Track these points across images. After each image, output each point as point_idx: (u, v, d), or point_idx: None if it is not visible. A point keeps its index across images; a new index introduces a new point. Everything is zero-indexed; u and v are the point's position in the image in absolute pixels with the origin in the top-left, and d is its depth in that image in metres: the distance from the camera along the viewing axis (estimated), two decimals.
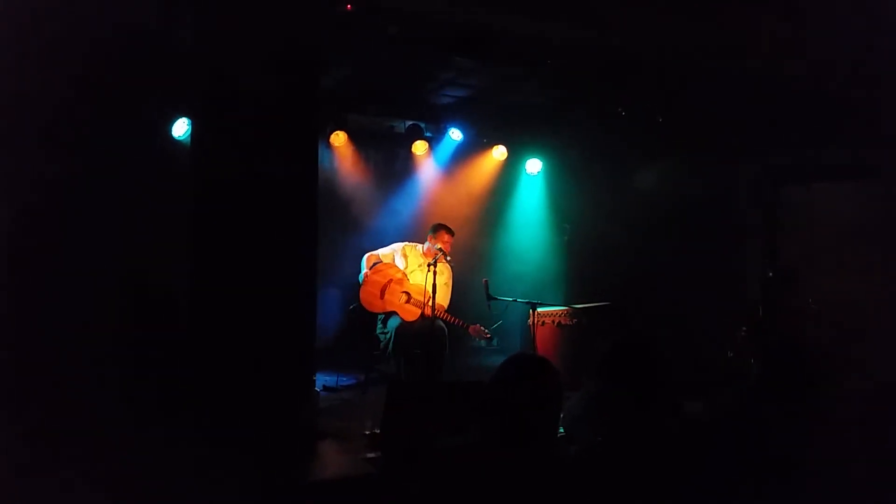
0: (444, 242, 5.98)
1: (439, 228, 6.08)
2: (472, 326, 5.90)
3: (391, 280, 5.97)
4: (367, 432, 4.40)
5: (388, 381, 5.28)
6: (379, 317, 6.04)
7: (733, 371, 5.76)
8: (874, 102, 5.77)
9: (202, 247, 4.04)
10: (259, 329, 3.97)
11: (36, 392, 3.80)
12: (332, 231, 6.78)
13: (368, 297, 5.95)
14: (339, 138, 7.09)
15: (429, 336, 5.70)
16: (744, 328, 6.06)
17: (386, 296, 5.95)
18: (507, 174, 8.20)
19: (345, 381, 6.33)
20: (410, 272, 6.09)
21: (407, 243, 6.26)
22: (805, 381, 2.55)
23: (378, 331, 6.03)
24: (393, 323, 5.92)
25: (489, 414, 2.17)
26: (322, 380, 6.09)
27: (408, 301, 5.95)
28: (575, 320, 6.47)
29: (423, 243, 6.23)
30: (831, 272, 6.44)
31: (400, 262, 6.11)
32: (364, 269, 6.00)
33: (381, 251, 6.15)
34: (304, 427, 4.26)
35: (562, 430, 3.79)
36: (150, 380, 3.86)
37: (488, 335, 5.92)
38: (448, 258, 5.86)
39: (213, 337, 3.92)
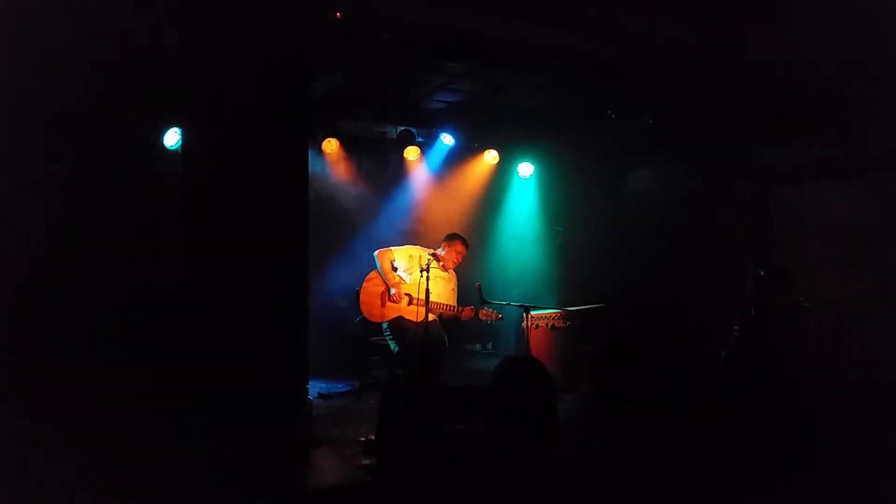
0: (457, 252, 6.03)
1: (454, 238, 6.11)
2: (481, 311, 5.93)
3: (388, 287, 5.95)
4: (363, 439, 4.40)
5: (382, 388, 5.27)
6: (383, 324, 6.02)
7: (726, 371, 5.76)
8: (864, 100, 5.81)
9: (194, 256, 4.04)
10: (251, 337, 3.97)
11: (29, 394, 3.79)
12: (325, 238, 6.77)
13: (369, 308, 5.96)
14: (330, 145, 7.09)
15: (428, 340, 5.68)
16: (736, 328, 6.08)
17: (387, 302, 5.95)
18: (499, 178, 8.21)
19: (339, 388, 6.33)
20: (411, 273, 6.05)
21: (421, 248, 6.17)
22: (783, 379, 2.57)
23: (384, 334, 6.02)
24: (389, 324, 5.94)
25: (490, 417, 2.18)
26: (316, 387, 6.09)
27: (410, 303, 5.93)
28: (568, 323, 6.49)
29: (437, 248, 6.18)
30: (823, 271, 6.47)
31: (411, 265, 6.03)
32: (378, 266, 5.97)
33: (394, 248, 6.10)
34: (299, 435, 4.25)
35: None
36: (139, 387, 3.84)
37: (499, 315, 5.95)
38: (441, 264, 5.84)
39: (204, 345, 3.92)
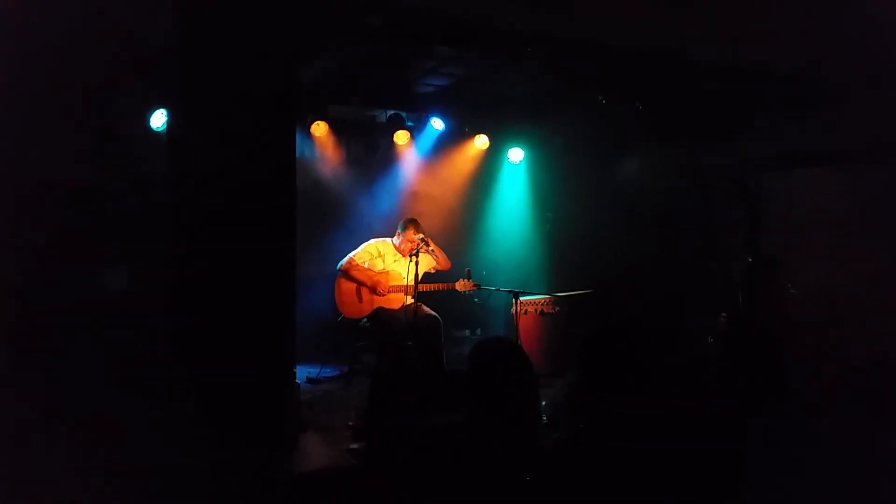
0: (409, 240, 5.89)
1: (408, 224, 6.00)
2: (457, 283, 5.92)
3: (364, 283, 5.94)
4: (351, 423, 4.40)
5: (371, 373, 5.27)
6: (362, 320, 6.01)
7: (714, 356, 5.80)
8: (855, 88, 5.83)
9: (180, 238, 4.00)
10: (238, 321, 3.94)
11: (21, 387, 3.77)
12: (314, 222, 6.73)
13: (349, 308, 5.93)
14: (319, 128, 7.04)
15: (421, 326, 5.66)
16: (723, 314, 6.11)
17: (364, 296, 5.93)
18: (490, 163, 8.18)
19: (327, 372, 6.32)
20: (389, 267, 6.04)
21: (378, 240, 6.14)
22: (770, 364, 2.58)
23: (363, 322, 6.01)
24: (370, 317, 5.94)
25: (468, 401, 2.19)
26: (305, 372, 6.07)
27: (387, 293, 5.95)
28: (557, 308, 6.51)
29: (391, 237, 6.14)
30: (811, 258, 6.51)
31: (378, 262, 6.05)
32: (348, 276, 5.93)
33: (354, 254, 6.01)
34: (287, 420, 4.25)
35: (545, 418, 3.83)
36: (127, 374, 3.83)
37: (477, 284, 5.94)
38: (430, 248, 5.81)
39: (192, 330, 3.89)
